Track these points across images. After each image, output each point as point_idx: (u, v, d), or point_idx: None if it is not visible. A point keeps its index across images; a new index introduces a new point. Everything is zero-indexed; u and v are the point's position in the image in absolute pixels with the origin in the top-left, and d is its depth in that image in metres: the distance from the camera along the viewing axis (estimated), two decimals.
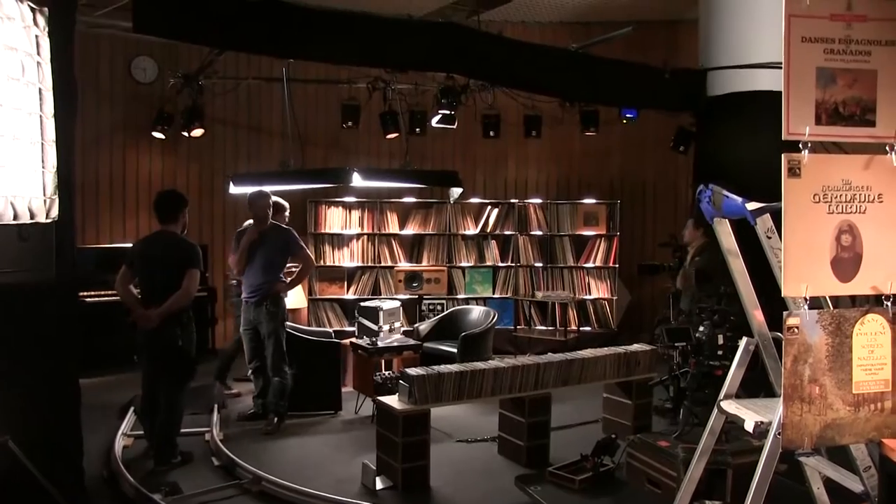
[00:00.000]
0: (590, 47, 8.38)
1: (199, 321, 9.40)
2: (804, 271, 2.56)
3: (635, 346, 6.47)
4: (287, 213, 7.48)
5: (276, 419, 6.54)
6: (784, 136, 2.53)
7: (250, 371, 6.88)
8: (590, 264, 10.60)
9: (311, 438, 6.41)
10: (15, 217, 3.66)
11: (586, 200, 10.71)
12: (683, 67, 8.04)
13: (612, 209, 10.60)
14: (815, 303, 2.73)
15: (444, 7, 9.53)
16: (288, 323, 6.95)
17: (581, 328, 10.19)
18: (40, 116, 3.94)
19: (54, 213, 4.06)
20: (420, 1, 9.16)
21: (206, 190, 10.25)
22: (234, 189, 8.06)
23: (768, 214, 2.91)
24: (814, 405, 2.59)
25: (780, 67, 2.62)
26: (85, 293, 8.47)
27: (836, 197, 2.60)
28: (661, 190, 11.08)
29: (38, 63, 3.93)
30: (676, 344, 4.76)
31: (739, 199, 3.03)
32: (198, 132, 9.24)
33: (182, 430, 5.75)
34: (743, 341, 3.33)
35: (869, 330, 2.64)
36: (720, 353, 4.56)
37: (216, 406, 6.94)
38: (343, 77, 9.49)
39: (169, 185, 9.63)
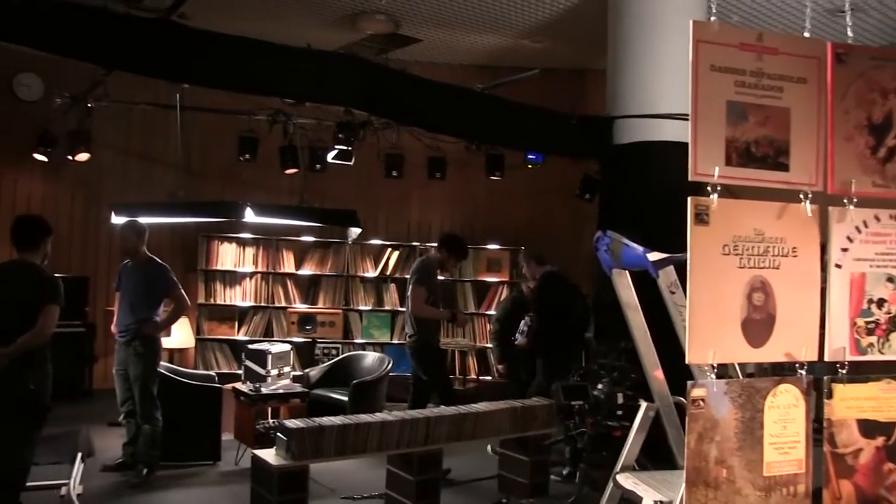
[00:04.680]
0: (496, 89, 8.25)
1: (77, 359, 8.91)
2: (711, 335, 2.26)
3: (533, 400, 6.19)
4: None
5: (144, 470, 5.99)
6: (691, 177, 2.24)
7: (122, 416, 6.33)
8: (492, 311, 10.34)
9: (182, 492, 5.90)
10: None
11: (490, 246, 10.54)
12: (590, 115, 7.96)
13: (516, 255, 10.41)
14: (723, 369, 2.42)
15: (353, 44, 9.32)
16: (165, 364, 6.46)
17: (481, 377, 9.89)
18: None
19: None
20: (328, 36, 8.97)
21: (90, 218, 9.71)
22: (115, 219, 7.55)
23: (672, 267, 2.63)
24: (720, 490, 2.27)
25: (685, 118, 2.31)
26: None
27: (747, 249, 2.31)
28: (566, 237, 10.95)
29: None
30: (573, 402, 4.49)
31: (641, 249, 2.75)
32: (83, 156, 8.67)
33: (30, 484, 5.07)
34: (643, 406, 3.03)
35: (781, 402, 2.34)
36: (619, 412, 4.30)
37: (80, 455, 6.31)
38: (242, 108, 9.09)
39: (50, 212, 8.97)
